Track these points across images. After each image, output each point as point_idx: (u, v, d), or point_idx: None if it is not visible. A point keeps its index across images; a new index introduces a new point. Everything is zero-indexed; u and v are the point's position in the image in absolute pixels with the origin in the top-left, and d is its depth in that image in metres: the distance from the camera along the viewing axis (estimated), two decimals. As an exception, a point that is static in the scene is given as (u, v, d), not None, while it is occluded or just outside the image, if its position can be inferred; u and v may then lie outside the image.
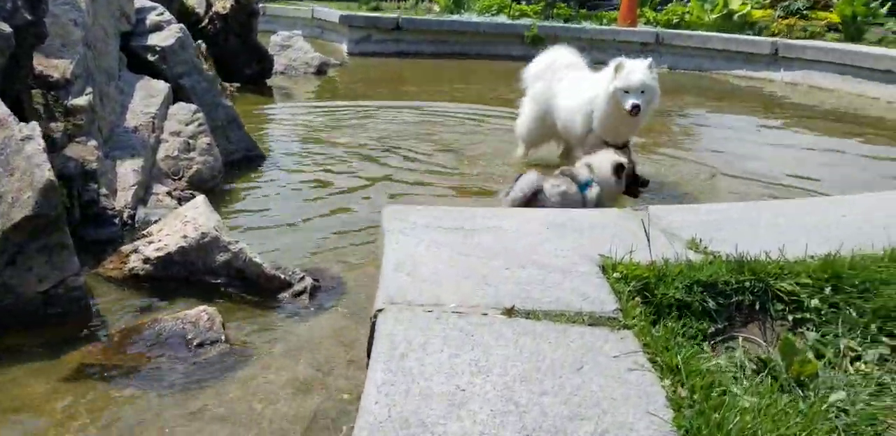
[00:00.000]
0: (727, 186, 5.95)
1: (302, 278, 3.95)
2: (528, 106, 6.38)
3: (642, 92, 5.35)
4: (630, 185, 4.63)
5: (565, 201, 4.30)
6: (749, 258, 2.75)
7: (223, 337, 2.98)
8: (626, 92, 5.35)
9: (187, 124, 5.66)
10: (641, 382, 1.98)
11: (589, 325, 2.27)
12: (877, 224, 3.24)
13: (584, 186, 4.47)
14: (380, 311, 2.30)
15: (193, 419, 2.52)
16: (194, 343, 2.94)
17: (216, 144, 5.81)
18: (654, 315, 2.43)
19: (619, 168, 4.56)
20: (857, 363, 2.41)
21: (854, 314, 2.57)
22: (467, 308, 2.29)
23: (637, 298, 2.45)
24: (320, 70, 11.20)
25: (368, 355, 2.22)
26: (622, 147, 5.91)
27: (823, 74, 11.11)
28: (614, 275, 2.52)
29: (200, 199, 4.08)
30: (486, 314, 2.27)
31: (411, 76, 12.18)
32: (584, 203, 4.39)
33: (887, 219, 3.32)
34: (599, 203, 4.45)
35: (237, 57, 9.66)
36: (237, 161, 6.26)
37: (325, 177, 6.00)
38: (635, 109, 5.31)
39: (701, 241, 2.94)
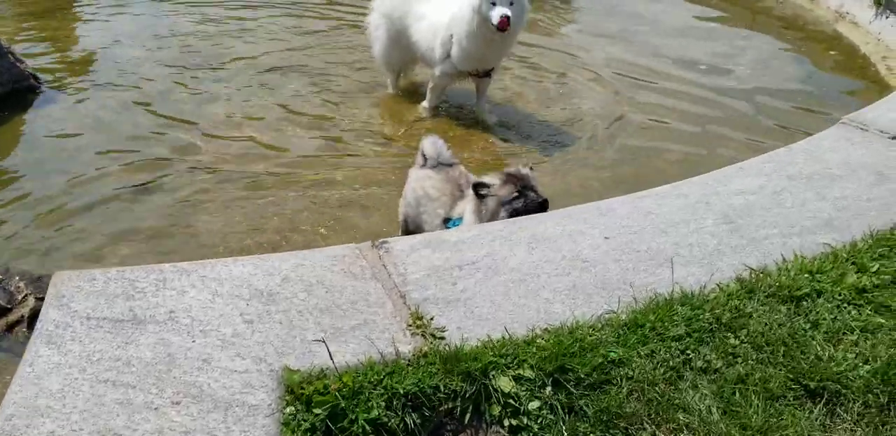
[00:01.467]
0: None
1: (24, 299, 3.42)
2: (380, 26, 5.55)
3: (511, 3, 4.68)
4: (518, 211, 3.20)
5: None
6: (470, 347, 2.35)
7: None
8: (494, 4, 4.65)
9: None
10: None
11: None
12: (640, 251, 2.86)
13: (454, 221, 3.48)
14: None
15: None
16: None
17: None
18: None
19: (477, 187, 3.27)
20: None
21: (573, 420, 2.25)
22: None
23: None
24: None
25: None
26: (485, 75, 5.27)
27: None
28: (289, 410, 2.09)
29: None
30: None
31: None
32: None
33: (653, 239, 2.93)
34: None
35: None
36: (2, 98, 5.35)
37: (103, 116, 5.22)
38: (504, 20, 4.63)
39: (431, 308, 2.52)
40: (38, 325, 2.35)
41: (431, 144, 3.75)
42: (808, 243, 3.01)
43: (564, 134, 5.34)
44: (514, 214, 3.14)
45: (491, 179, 3.26)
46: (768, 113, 5.81)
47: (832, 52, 7.32)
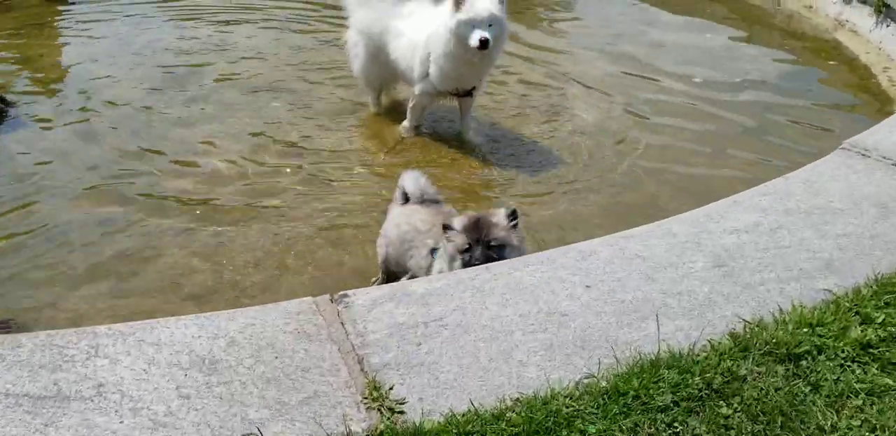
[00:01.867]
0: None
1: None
2: (358, 42, 5.32)
3: (490, 25, 4.51)
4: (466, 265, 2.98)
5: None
6: (431, 424, 2.10)
7: None
8: (473, 26, 4.48)
9: None
10: None
11: None
12: (625, 301, 2.62)
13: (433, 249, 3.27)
14: None
15: None
16: None
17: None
18: None
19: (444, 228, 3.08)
20: None
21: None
22: None
23: None
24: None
25: None
26: (466, 95, 5.05)
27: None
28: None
29: None
30: None
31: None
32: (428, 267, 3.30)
33: (639, 286, 2.70)
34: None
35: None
36: (-33, 122, 5.13)
37: (68, 144, 4.98)
38: (484, 43, 4.46)
39: (391, 375, 2.29)
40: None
41: (413, 181, 3.51)
42: (808, 290, 2.77)
43: (557, 156, 5.10)
44: (466, 265, 2.91)
45: (458, 222, 3.01)
46: (768, 128, 5.57)
47: (832, 63, 7.07)
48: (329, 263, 3.91)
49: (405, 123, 5.27)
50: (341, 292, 2.65)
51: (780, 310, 2.65)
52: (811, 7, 8.41)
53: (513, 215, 3.04)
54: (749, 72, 6.63)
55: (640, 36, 7.42)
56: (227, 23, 7.15)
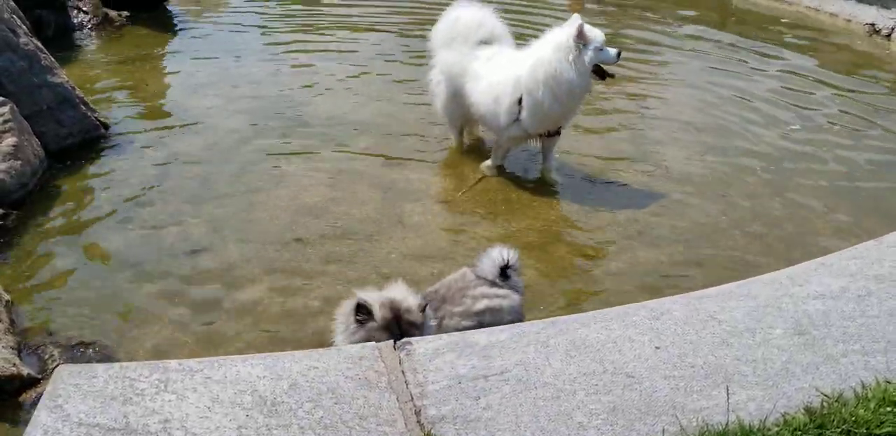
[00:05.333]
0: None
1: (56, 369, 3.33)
2: (440, 82, 5.43)
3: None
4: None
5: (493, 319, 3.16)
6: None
7: None
8: (601, 49, 4.65)
9: (-16, 123, 4.82)
10: None
11: None
12: (696, 366, 2.53)
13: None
14: None
15: None
16: None
17: (31, 140, 5.03)
18: None
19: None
20: None
21: None
22: None
23: None
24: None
25: None
26: (555, 134, 5.07)
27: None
28: None
29: None
30: None
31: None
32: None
33: (712, 351, 2.60)
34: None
35: (125, -24, 8.42)
36: (71, 147, 5.48)
37: (163, 174, 5.20)
38: (618, 55, 4.68)
39: (447, 429, 2.28)
40: (28, 430, 2.21)
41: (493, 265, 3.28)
42: (895, 365, 2.60)
43: (636, 198, 4.98)
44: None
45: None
46: (858, 188, 5.30)
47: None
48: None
49: (487, 162, 5.29)
50: (404, 339, 2.66)
51: (863, 385, 2.50)
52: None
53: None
54: (837, 116, 6.38)
55: (734, 75, 7.24)
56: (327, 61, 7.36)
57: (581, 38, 4.55)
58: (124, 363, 2.51)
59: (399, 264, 4.21)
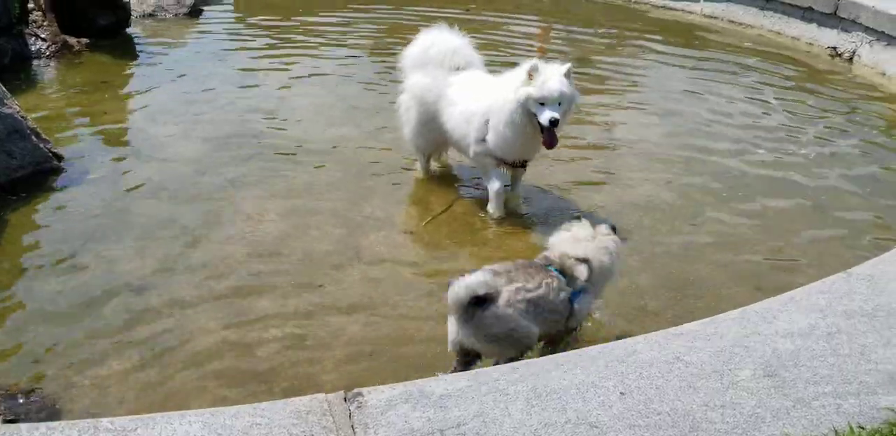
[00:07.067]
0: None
1: (-10, 421, 3.15)
2: (411, 107, 5.30)
3: (559, 103, 4.41)
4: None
5: (537, 311, 3.12)
6: None
7: None
8: (542, 103, 4.41)
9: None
10: None
11: None
12: (662, 413, 2.41)
13: (577, 292, 3.26)
14: None
15: None
16: None
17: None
18: None
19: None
20: None
21: None
22: None
23: None
24: (195, 9, 9.69)
25: None
26: (520, 166, 4.97)
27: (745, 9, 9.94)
28: None
29: None
30: None
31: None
32: (568, 317, 3.27)
33: (678, 396, 2.47)
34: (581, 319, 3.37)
35: (84, 4, 8.24)
36: (22, 180, 5.26)
37: (116, 206, 5.02)
38: (553, 123, 4.41)
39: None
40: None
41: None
42: (868, 408, 2.51)
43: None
44: None
45: None
46: (836, 209, 5.27)
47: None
48: (354, 338, 3.77)
49: (489, 208, 5.08)
50: (356, 390, 2.51)
51: (836, 431, 2.39)
52: (884, 74, 8.14)
53: None
54: (813, 144, 6.38)
55: (697, 100, 7.25)
56: (291, 87, 7.25)
57: (530, 81, 4.42)
58: (51, 424, 2.33)
59: (357, 300, 4.05)
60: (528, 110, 4.48)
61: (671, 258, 4.58)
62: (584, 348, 2.83)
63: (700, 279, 4.38)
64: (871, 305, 3.07)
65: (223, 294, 4.07)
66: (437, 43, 5.12)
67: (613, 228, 3.51)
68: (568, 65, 4.52)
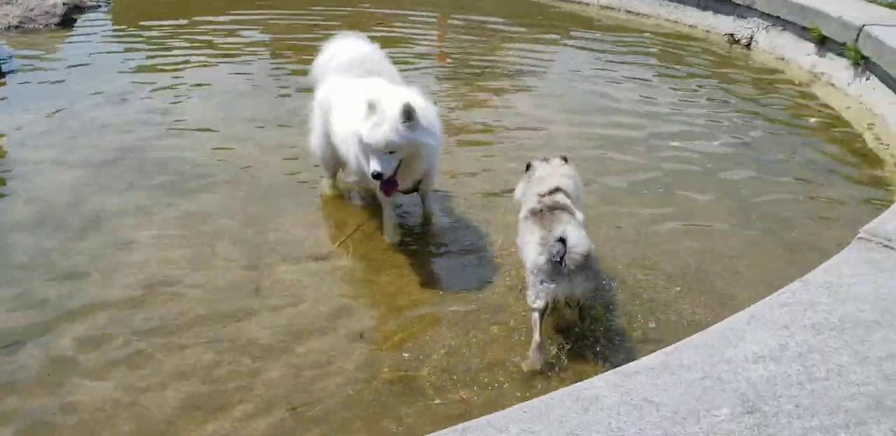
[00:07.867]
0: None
1: None
2: (318, 117, 4.78)
3: (392, 152, 3.87)
4: None
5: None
6: None
7: None
8: (370, 152, 3.90)
9: None
10: None
11: None
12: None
13: None
14: None
15: None
16: None
17: None
18: None
19: None
20: None
21: None
22: None
23: None
24: (67, 19, 8.82)
25: None
26: (412, 191, 4.48)
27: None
28: None
29: None
30: None
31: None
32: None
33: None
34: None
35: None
36: None
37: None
38: (376, 177, 3.86)
39: None
40: None
41: None
42: (862, 442, 2.23)
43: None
44: None
45: None
46: (755, 203, 5.12)
47: (812, 120, 6.74)
48: (273, 390, 3.30)
49: (384, 234, 4.61)
50: None
51: (833, 475, 2.11)
52: (783, 58, 8.18)
53: None
54: (726, 132, 6.32)
55: (606, 96, 7.06)
56: (179, 101, 6.62)
57: (370, 116, 3.88)
58: None
59: (270, 344, 3.58)
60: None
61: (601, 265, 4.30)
62: (542, 398, 2.46)
63: (629, 287, 4.10)
64: (837, 316, 2.83)
65: (115, 349, 3.52)
66: (343, 51, 4.74)
67: (565, 159, 3.93)
68: (414, 101, 3.93)
